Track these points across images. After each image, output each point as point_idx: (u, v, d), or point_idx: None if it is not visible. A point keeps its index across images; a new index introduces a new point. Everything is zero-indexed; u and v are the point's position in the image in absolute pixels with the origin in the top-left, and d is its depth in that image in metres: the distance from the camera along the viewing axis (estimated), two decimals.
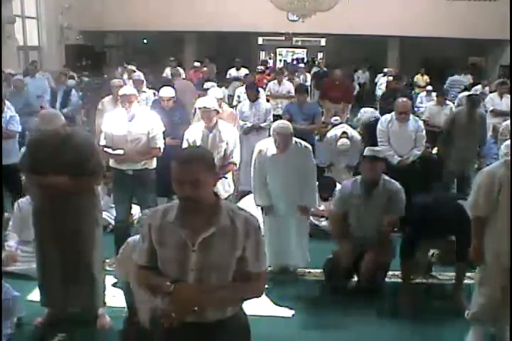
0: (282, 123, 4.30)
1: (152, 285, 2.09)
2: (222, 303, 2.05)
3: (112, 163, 4.53)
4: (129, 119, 4.39)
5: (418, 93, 10.83)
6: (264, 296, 4.03)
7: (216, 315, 2.03)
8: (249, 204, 5.14)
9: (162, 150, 4.48)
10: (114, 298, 3.82)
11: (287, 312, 3.91)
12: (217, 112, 4.52)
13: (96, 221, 3.62)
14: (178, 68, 10.48)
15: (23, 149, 5.78)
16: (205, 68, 10.84)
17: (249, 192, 5.47)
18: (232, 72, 11.96)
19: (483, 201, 3.14)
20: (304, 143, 4.32)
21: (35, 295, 3.90)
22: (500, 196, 3.07)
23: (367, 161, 4.04)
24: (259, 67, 12.56)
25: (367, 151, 4.14)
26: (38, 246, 3.62)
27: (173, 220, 2.01)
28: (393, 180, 4.11)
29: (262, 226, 4.26)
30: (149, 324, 2.24)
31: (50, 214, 3.47)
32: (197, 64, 12.11)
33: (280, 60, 20.47)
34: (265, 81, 10.16)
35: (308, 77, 12.61)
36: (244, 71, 11.60)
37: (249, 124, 6.64)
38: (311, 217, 5.08)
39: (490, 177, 3.12)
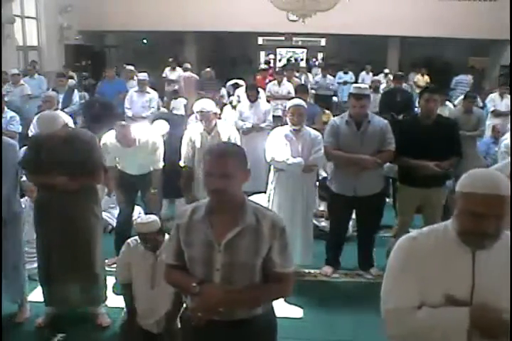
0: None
1: (180, 285, 2.14)
2: (248, 304, 2.05)
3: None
4: None
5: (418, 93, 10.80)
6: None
7: (243, 314, 2.04)
8: None
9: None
10: (114, 298, 3.82)
11: (295, 313, 3.87)
12: (216, 114, 4.54)
13: (97, 218, 3.64)
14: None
15: (23, 149, 5.79)
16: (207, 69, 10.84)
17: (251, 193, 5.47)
18: None
19: None
20: None
21: (35, 295, 3.89)
22: None
23: (353, 98, 4.18)
24: (263, 65, 12.48)
25: (353, 89, 4.26)
26: (40, 245, 3.62)
27: (200, 219, 2.03)
28: (378, 116, 4.27)
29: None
30: (180, 322, 2.31)
31: (52, 213, 3.48)
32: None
33: (280, 60, 20.43)
34: (267, 80, 10.09)
35: (310, 77, 12.59)
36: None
37: (249, 125, 6.64)
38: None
39: None
